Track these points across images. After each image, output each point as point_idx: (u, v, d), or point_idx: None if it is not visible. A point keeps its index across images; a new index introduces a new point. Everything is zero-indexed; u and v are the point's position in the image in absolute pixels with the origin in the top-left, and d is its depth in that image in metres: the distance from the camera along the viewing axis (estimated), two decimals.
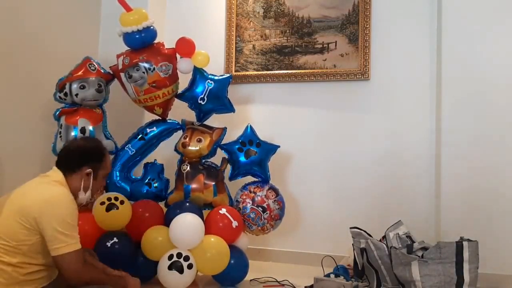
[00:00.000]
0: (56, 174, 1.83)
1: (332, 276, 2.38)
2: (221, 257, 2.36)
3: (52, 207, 1.69)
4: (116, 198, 2.39)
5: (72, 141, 2.00)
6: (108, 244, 2.28)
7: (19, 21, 2.63)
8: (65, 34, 2.96)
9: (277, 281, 2.56)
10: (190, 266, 2.25)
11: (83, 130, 2.52)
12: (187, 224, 2.32)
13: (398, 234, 2.45)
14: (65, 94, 2.56)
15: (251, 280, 2.57)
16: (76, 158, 1.85)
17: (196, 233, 2.32)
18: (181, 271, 2.22)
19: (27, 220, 1.67)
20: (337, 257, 2.71)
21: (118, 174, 2.65)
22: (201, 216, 2.48)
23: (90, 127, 2.55)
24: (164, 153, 2.92)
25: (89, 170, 1.85)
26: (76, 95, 2.55)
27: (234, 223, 2.46)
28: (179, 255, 2.25)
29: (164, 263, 2.25)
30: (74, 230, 1.74)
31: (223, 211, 2.49)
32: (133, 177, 2.72)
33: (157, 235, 2.36)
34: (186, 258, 2.25)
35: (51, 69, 2.74)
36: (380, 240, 2.42)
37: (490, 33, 2.71)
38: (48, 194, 1.72)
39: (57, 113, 2.57)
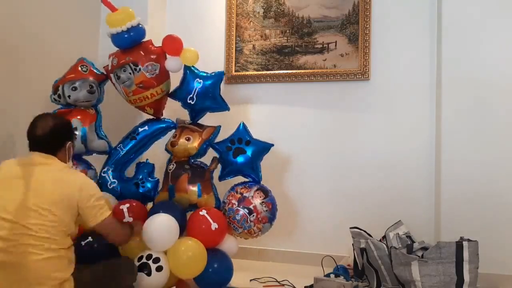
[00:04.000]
0: (55, 161, 1.94)
1: (332, 276, 2.38)
2: (196, 260, 2.27)
3: (87, 189, 1.92)
4: None
5: (42, 123, 1.95)
6: (82, 243, 2.23)
7: (19, 22, 2.63)
8: (65, 34, 2.96)
9: (277, 281, 2.57)
10: (159, 269, 2.17)
11: (75, 130, 2.48)
12: (158, 225, 2.23)
13: (398, 234, 2.45)
14: (59, 96, 2.59)
15: (251, 280, 2.58)
16: (60, 138, 1.99)
17: (168, 235, 2.24)
18: (149, 273, 2.15)
19: (72, 207, 1.86)
20: (337, 257, 2.71)
21: (110, 174, 2.63)
22: (182, 217, 2.41)
23: (82, 127, 2.55)
24: (163, 153, 2.91)
25: (69, 142, 2.01)
26: (69, 96, 2.57)
27: (214, 225, 2.35)
28: (148, 256, 2.19)
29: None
30: (103, 198, 1.99)
31: (203, 212, 2.40)
32: (126, 177, 2.69)
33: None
34: (156, 260, 2.18)
35: (51, 69, 2.75)
36: (380, 240, 2.42)
37: (490, 33, 2.71)
38: (80, 181, 1.93)
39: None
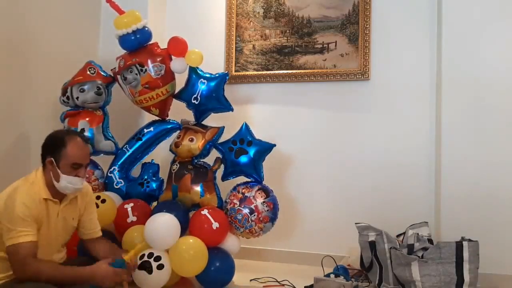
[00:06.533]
0: (34, 172, 1.93)
1: (332, 276, 2.38)
2: (197, 259, 2.29)
3: (5, 204, 1.79)
4: (98, 197, 2.40)
5: None
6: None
7: (19, 23, 2.64)
8: (65, 36, 2.96)
9: (277, 281, 2.57)
10: (160, 267, 2.19)
11: (82, 131, 2.59)
12: (159, 224, 2.26)
13: (417, 234, 2.40)
14: (68, 98, 2.66)
15: (251, 280, 2.58)
16: (42, 151, 1.94)
17: (168, 234, 2.26)
18: (150, 271, 2.17)
19: None
20: (337, 257, 2.71)
21: (117, 174, 2.67)
22: (185, 216, 2.44)
23: (89, 128, 2.62)
24: (167, 153, 2.91)
25: (50, 159, 1.89)
26: (77, 98, 2.64)
27: (215, 225, 2.38)
28: (150, 255, 2.21)
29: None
30: (22, 224, 1.78)
31: (205, 212, 2.43)
32: (131, 177, 2.72)
33: (136, 235, 2.33)
34: (157, 259, 2.20)
35: (51, 71, 2.78)
36: (397, 236, 2.41)
37: (491, 33, 2.71)
38: (6, 193, 1.83)
39: (63, 116, 2.68)
